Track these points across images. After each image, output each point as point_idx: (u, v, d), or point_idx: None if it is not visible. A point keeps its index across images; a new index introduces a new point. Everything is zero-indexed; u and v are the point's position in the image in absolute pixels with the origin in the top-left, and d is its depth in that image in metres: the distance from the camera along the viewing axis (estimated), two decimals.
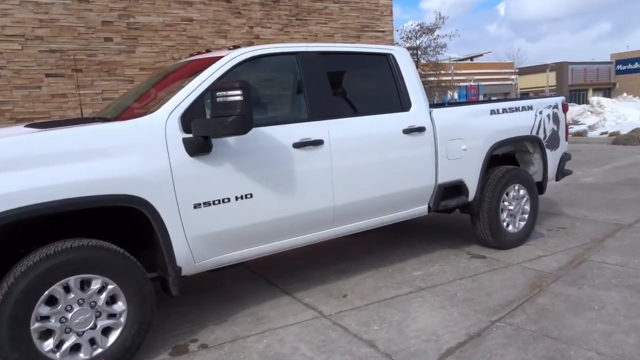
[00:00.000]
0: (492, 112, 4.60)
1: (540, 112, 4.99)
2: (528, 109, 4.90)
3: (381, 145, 3.81)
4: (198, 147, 2.97)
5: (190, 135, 2.97)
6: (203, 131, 2.91)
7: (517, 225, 4.88)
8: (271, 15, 7.32)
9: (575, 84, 56.41)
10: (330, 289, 4.04)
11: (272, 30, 7.28)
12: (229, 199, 3.13)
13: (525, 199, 4.92)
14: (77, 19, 6.16)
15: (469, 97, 38.42)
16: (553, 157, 5.14)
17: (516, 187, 4.82)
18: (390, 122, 3.90)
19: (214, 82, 3.13)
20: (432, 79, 25.77)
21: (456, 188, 4.42)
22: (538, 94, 58.09)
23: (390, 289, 3.97)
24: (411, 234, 5.56)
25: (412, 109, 4.08)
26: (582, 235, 5.16)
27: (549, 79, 48.39)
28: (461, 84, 44.23)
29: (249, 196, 3.20)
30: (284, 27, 7.42)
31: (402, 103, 4.06)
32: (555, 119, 5.15)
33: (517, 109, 4.81)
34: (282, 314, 3.60)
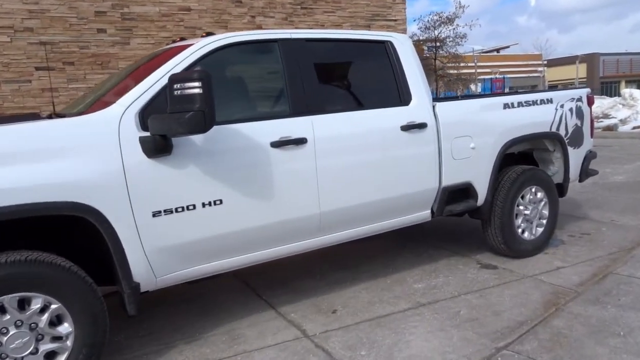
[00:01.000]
0: (506, 106, 4.12)
1: (562, 106, 4.48)
2: (547, 103, 4.40)
3: (375, 143, 3.39)
4: (156, 147, 2.61)
5: (148, 134, 2.60)
6: (159, 129, 2.54)
7: (533, 232, 4.40)
8: (274, 4, 6.93)
9: (607, 76, 54.69)
10: (320, 303, 3.65)
11: (276, 19, 6.89)
12: (194, 206, 2.76)
13: (543, 203, 4.43)
14: (68, 10, 5.88)
15: (494, 90, 37.40)
16: (576, 156, 4.63)
17: (533, 190, 4.34)
18: (386, 118, 3.48)
19: None
20: (452, 71, 24.93)
21: (463, 191, 3.96)
22: (567, 86, 56.53)
23: (386, 304, 3.56)
24: (418, 239, 5.13)
25: (412, 103, 3.64)
26: (608, 242, 4.65)
27: (578, 71, 46.82)
28: (486, 76, 43.21)
29: (218, 202, 2.82)
30: (288, 16, 7.01)
31: (401, 96, 3.63)
32: (579, 114, 4.63)
33: (534, 103, 4.31)
34: (260, 333, 3.22)
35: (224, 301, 3.78)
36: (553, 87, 57.68)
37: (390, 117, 3.50)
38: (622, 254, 4.32)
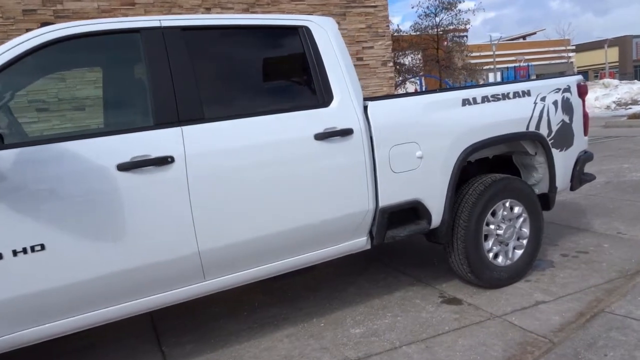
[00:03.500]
0: (465, 102, 3.29)
1: (543, 99, 3.62)
2: (523, 96, 3.55)
3: (276, 159, 2.63)
4: None
5: None
6: None
7: (510, 256, 3.56)
8: None
9: None
10: (224, 358, 2.92)
11: (235, 11, 6.16)
12: (0, 256, 2.06)
13: (522, 219, 3.59)
14: None
15: (518, 79, 35.83)
16: (564, 160, 3.76)
17: (507, 204, 3.51)
18: (294, 125, 2.71)
19: None
20: (472, 60, 23.54)
21: (411, 211, 3.17)
22: (598, 72, 54.10)
23: (305, 359, 2.81)
24: (383, 261, 4.35)
25: (333, 103, 2.87)
26: (608, 265, 3.77)
27: (609, 55, 44.70)
28: (510, 64, 41.65)
29: (38, 249, 2.12)
30: (249, 6, 6.27)
31: (318, 96, 2.86)
32: (567, 107, 3.76)
33: (505, 96, 3.47)
34: None
35: (114, 355, 3.10)
36: (583, 73, 55.48)
37: (301, 123, 2.73)
38: (622, 281, 3.45)
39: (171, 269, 2.43)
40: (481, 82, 26.68)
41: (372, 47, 7.68)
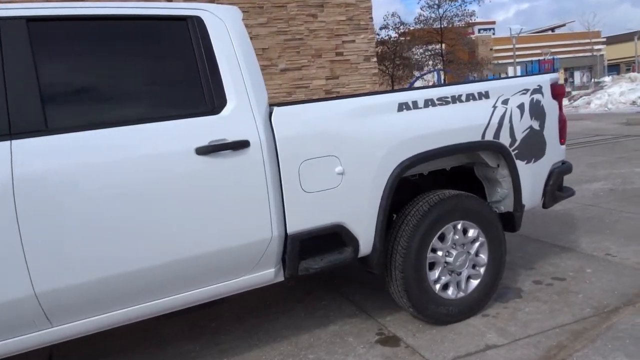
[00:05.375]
0: (403, 106, 2.75)
1: (505, 102, 3.05)
2: (479, 98, 2.99)
3: (142, 179, 2.16)
4: None
5: None
6: None
7: (463, 287, 3.02)
8: None
9: None
10: None
11: (207, 0, 5.70)
12: None
13: (478, 244, 3.05)
14: None
15: (542, 73, 34.62)
16: (532, 173, 3.19)
17: (459, 226, 2.96)
18: (168, 137, 2.23)
19: None
20: (495, 54, 22.61)
21: (333, 237, 2.66)
22: (630, 64, 52.01)
23: None
24: (332, 283, 3.85)
25: (225, 110, 2.37)
26: (584, 297, 3.20)
27: (638, 48, 42.90)
28: (534, 58, 40.33)
29: None
30: None
31: (206, 101, 2.36)
32: (537, 111, 3.18)
33: (456, 99, 2.92)
34: None
35: None
36: (614, 66, 53.34)
37: (178, 134, 2.25)
38: (596, 321, 2.87)
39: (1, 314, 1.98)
40: (501, 77, 25.66)
41: (353, 41, 7.09)
